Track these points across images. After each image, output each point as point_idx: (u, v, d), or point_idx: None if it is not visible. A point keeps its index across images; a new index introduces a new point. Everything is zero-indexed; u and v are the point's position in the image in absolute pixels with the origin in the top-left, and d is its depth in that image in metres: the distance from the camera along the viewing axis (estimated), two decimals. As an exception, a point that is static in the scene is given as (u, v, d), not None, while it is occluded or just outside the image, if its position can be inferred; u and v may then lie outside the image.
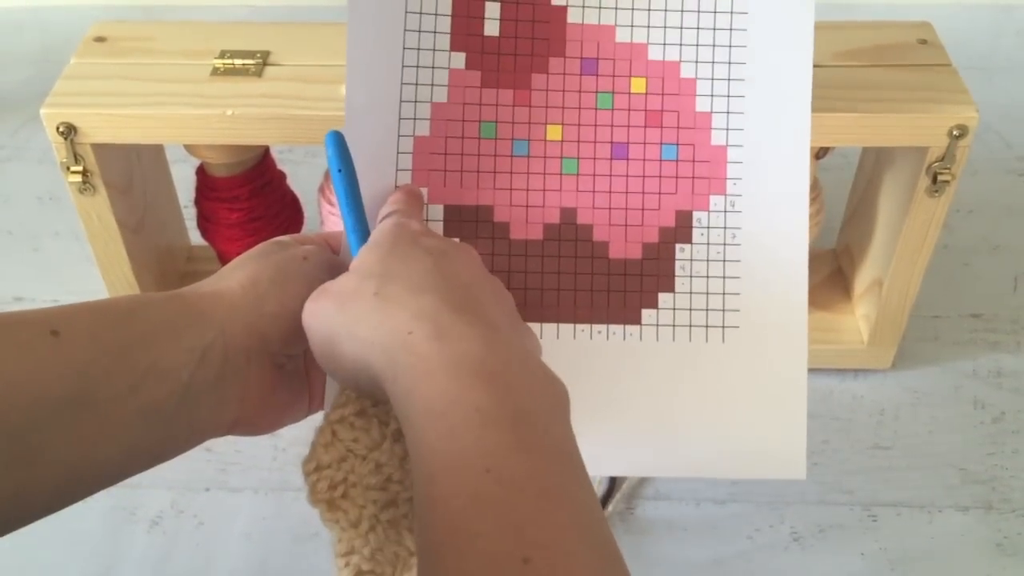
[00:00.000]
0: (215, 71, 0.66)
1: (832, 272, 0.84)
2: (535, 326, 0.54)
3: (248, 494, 0.71)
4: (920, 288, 0.72)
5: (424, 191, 0.54)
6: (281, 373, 0.48)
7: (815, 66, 0.66)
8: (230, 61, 0.67)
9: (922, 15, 0.72)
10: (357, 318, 0.42)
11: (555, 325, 0.55)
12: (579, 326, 0.55)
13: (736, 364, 0.54)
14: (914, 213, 0.67)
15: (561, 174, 0.55)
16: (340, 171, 0.49)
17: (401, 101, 0.54)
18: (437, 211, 0.54)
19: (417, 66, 0.54)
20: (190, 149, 0.71)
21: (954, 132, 0.63)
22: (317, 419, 0.69)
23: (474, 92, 0.54)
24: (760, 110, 0.54)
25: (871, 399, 0.77)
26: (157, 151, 0.78)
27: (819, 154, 0.70)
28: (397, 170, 0.54)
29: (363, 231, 0.49)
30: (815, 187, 0.73)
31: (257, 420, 0.48)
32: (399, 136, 0.54)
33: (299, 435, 0.74)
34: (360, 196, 0.50)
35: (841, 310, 0.80)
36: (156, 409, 0.42)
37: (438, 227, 0.54)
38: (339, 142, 0.50)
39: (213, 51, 0.68)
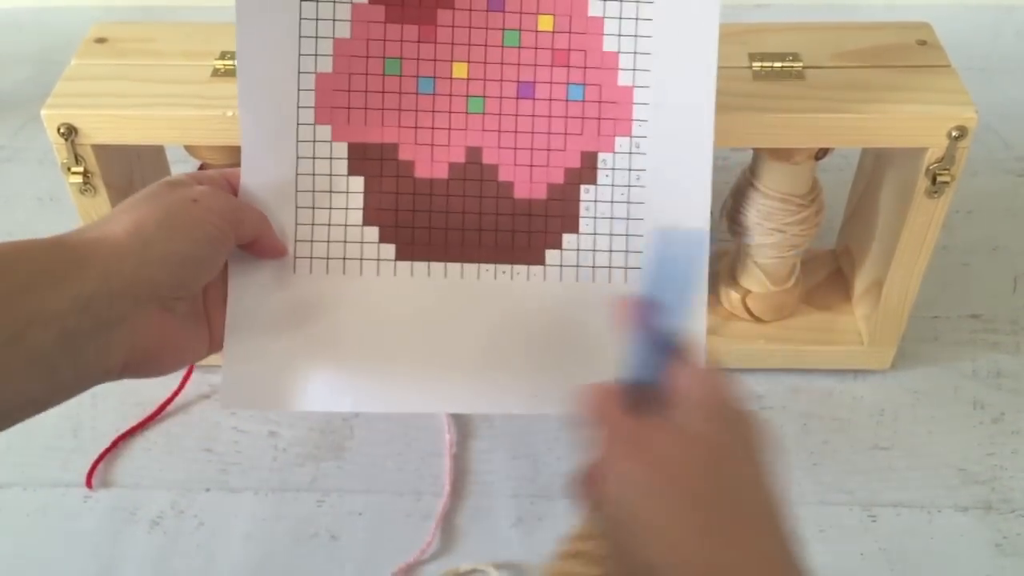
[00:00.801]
0: (216, 72, 0.66)
1: (832, 273, 0.84)
2: (439, 265, 0.54)
3: (248, 494, 0.71)
4: (920, 289, 0.72)
5: (328, 128, 0.54)
6: (173, 316, 0.47)
7: (814, 67, 0.67)
8: (231, 62, 0.67)
9: (921, 16, 0.72)
10: (677, 540, 0.38)
11: (459, 265, 0.55)
12: (483, 266, 0.55)
13: None
14: (913, 214, 0.67)
15: (467, 113, 0.55)
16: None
17: (300, 37, 0.53)
18: (341, 149, 0.54)
19: (317, 0, 0.53)
20: (190, 150, 0.71)
21: (953, 133, 0.63)
22: (324, 416, 0.69)
23: (378, 28, 0.54)
24: (667, 51, 0.54)
25: (871, 400, 0.77)
26: (157, 152, 0.78)
27: (819, 155, 0.70)
28: (299, 107, 0.53)
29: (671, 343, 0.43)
30: (815, 188, 0.73)
31: (149, 363, 0.47)
32: (299, 73, 0.53)
33: (299, 436, 0.74)
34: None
35: (841, 311, 0.80)
36: (40, 357, 0.41)
37: (342, 165, 0.54)
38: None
39: (214, 52, 0.68)
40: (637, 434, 0.41)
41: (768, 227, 0.73)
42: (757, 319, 0.79)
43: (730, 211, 0.76)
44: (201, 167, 0.75)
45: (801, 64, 0.67)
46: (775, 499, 0.41)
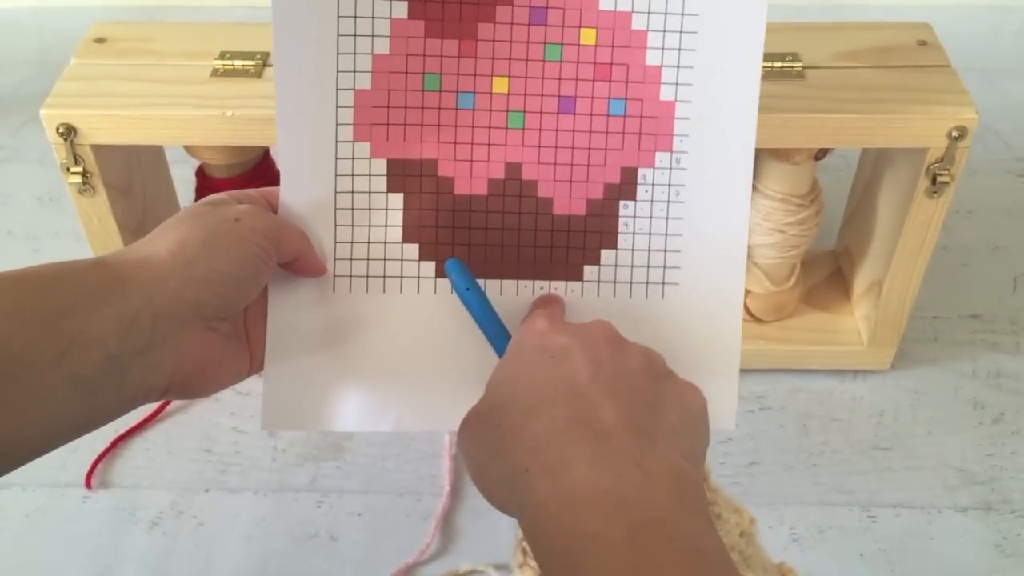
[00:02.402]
0: (215, 72, 0.66)
1: (831, 273, 0.84)
2: (478, 282, 0.54)
3: (248, 495, 0.71)
4: (919, 289, 0.72)
5: (367, 145, 0.53)
6: (215, 336, 0.47)
7: (814, 67, 0.67)
8: (230, 62, 0.67)
9: (922, 16, 0.72)
10: (489, 453, 0.43)
11: (498, 281, 0.54)
12: (522, 282, 0.54)
13: (675, 320, 0.54)
14: (913, 214, 0.67)
15: (507, 128, 0.54)
16: (468, 290, 0.51)
17: (339, 53, 0.52)
18: (380, 166, 0.53)
19: (355, 16, 0.52)
20: (190, 150, 0.71)
21: (953, 133, 0.63)
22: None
23: (417, 43, 0.53)
24: (710, 64, 0.53)
25: (871, 400, 0.77)
26: (157, 152, 0.78)
27: (819, 155, 0.70)
28: (337, 124, 0.53)
29: (505, 337, 0.50)
30: (815, 187, 0.73)
31: (192, 384, 0.47)
32: (338, 89, 0.53)
33: (299, 436, 0.74)
34: (493, 310, 0.51)
35: (840, 311, 0.80)
36: (83, 379, 0.41)
37: (381, 182, 0.54)
38: (460, 267, 0.52)
39: (213, 52, 0.68)
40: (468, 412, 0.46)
41: (768, 227, 0.73)
42: (757, 319, 0.79)
43: (730, 211, 0.76)
44: (200, 168, 0.75)
45: (801, 64, 0.67)
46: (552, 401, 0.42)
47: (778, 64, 0.66)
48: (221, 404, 0.77)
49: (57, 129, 0.64)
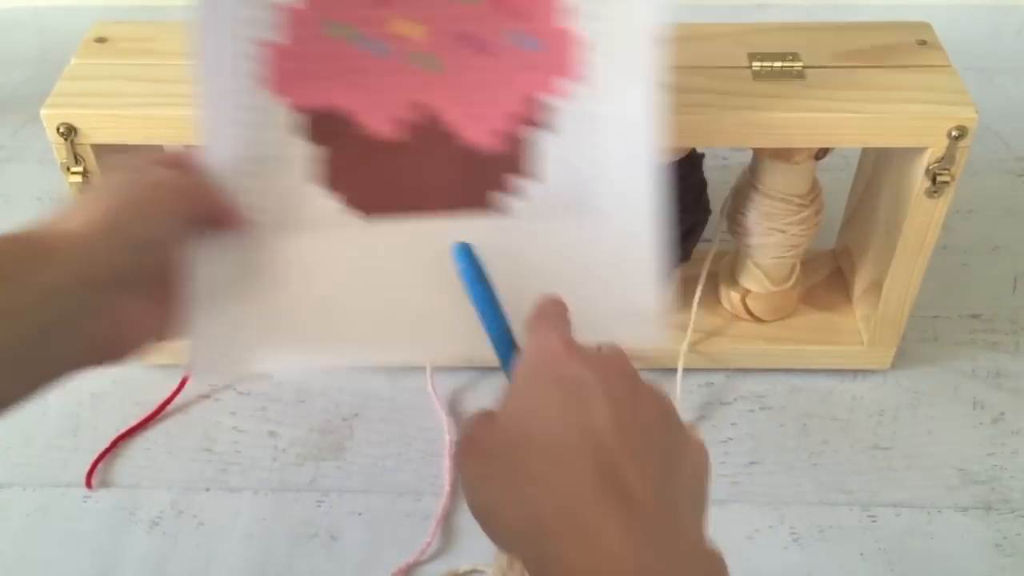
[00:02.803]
0: (215, 72, 0.66)
1: (831, 273, 0.84)
2: (398, 221, 0.55)
3: (248, 494, 0.71)
4: (919, 289, 0.72)
5: (280, 96, 0.54)
6: (136, 299, 0.47)
7: (814, 67, 0.67)
8: (230, 62, 0.67)
9: (921, 16, 0.72)
10: (503, 496, 0.40)
11: (416, 219, 0.55)
12: (441, 218, 0.55)
13: (596, 243, 0.55)
14: (913, 214, 0.67)
15: (420, 70, 0.55)
16: (475, 282, 0.50)
17: (249, 5, 0.53)
18: (293, 116, 0.54)
19: None
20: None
21: (953, 133, 0.63)
22: (324, 416, 0.69)
23: None
24: None
25: (871, 399, 0.77)
26: (157, 152, 0.78)
27: (819, 155, 0.70)
28: (249, 76, 0.54)
29: (508, 338, 0.48)
30: (815, 187, 0.73)
31: (118, 351, 0.47)
32: (249, 41, 0.53)
33: (299, 436, 0.74)
34: (499, 307, 0.49)
35: (840, 311, 0.80)
36: (7, 353, 0.41)
37: (295, 131, 0.55)
38: (470, 256, 0.50)
39: (213, 52, 0.68)
40: (471, 430, 0.43)
41: (768, 227, 0.73)
42: (757, 319, 0.79)
43: (730, 211, 0.76)
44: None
45: (801, 64, 0.67)
46: (580, 444, 0.40)
47: (778, 64, 0.66)
48: (221, 404, 0.77)
49: (58, 129, 0.64)
